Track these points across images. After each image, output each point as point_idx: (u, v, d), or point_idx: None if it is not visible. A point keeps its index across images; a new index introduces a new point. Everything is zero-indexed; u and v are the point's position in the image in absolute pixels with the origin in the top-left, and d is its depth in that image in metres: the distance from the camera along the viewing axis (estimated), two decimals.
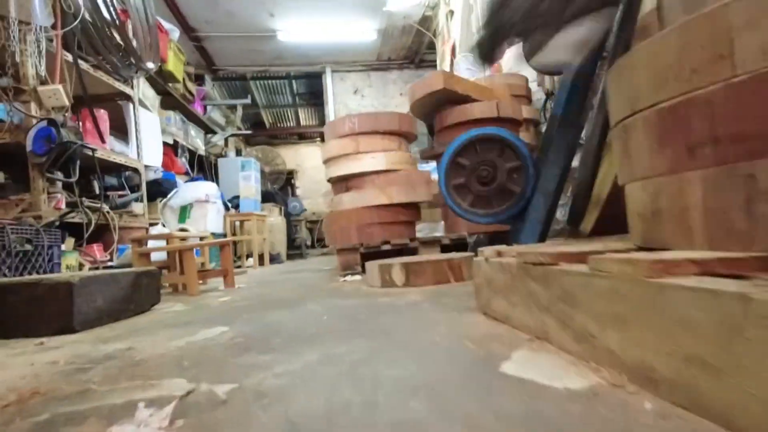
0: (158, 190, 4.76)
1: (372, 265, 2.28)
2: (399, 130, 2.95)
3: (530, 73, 4.33)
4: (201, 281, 2.77)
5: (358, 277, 2.76)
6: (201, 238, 3.51)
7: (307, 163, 12.38)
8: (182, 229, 3.96)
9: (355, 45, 7.75)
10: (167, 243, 3.11)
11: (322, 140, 11.58)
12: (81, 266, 3.06)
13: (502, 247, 1.18)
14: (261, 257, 5.77)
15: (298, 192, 12.25)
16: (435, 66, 7.48)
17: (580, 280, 0.73)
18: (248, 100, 8.54)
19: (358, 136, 2.87)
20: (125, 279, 1.80)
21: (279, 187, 9.54)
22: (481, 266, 1.18)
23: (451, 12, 6.35)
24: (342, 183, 3.04)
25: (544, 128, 4.04)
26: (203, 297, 2.48)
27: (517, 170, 1.39)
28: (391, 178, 2.89)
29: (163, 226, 4.35)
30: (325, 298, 1.97)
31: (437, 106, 3.06)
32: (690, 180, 0.69)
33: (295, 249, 7.77)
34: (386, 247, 2.97)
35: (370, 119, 2.90)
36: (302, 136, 12.01)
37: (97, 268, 3.10)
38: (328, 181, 3.19)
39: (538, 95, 4.26)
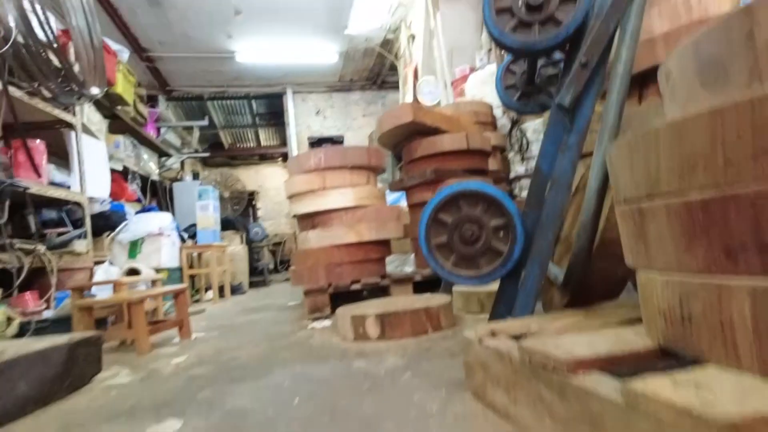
0: (105, 223, 4.38)
1: (344, 315, 2.12)
2: (368, 164, 2.83)
3: (495, 100, 4.36)
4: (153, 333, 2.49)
5: (327, 323, 2.58)
6: (153, 282, 3.21)
7: (269, 183, 12.07)
8: (132, 270, 3.63)
9: (317, 66, 7.64)
10: (114, 289, 2.81)
11: (284, 160, 11.31)
12: (9, 321, 2.70)
13: (497, 325, 1.06)
14: (221, 289, 5.44)
15: (259, 213, 11.87)
16: (397, 87, 7.47)
17: (611, 409, 0.61)
18: (205, 122, 8.20)
19: (324, 171, 2.71)
20: (57, 355, 1.55)
21: (240, 212, 9.17)
22: (473, 346, 1.06)
23: (413, 36, 6.37)
24: (308, 220, 2.87)
25: (510, 154, 4.04)
26: (154, 356, 2.21)
27: (503, 228, 1.28)
28: (359, 214, 2.75)
29: (111, 264, 3.98)
30: (294, 362, 1.78)
31: (405, 137, 2.97)
32: (733, 290, 0.59)
33: (257, 275, 7.43)
34: (356, 286, 2.81)
35: (337, 154, 2.75)
36: (263, 157, 11.69)
37: (29, 323, 2.74)
38: (293, 217, 3.00)
39: (502, 121, 4.28)
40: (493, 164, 3.71)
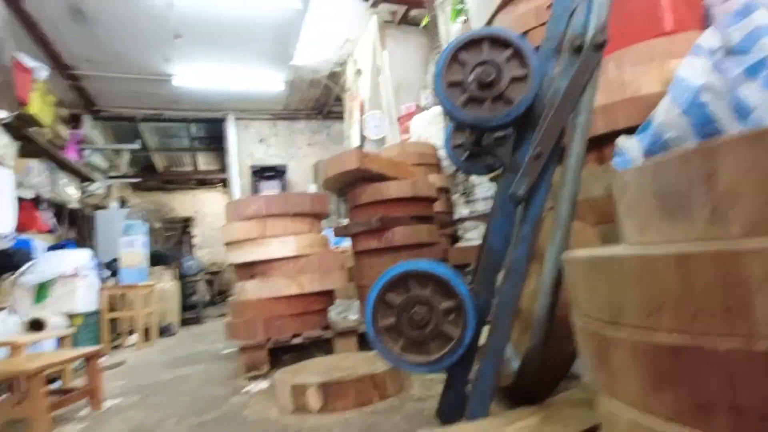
0: (7, 263, 3.83)
1: (283, 382, 1.94)
2: (311, 212, 2.70)
3: (440, 141, 4.43)
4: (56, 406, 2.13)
5: (264, 384, 2.36)
6: (62, 339, 2.80)
7: (207, 209, 11.46)
8: (35, 321, 3.18)
9: (261, 94, 7.44)
10: (10, 352, 2.41)
11: (224, 186, 10.81)
12: None
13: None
14: (147, 331, 4.94)
15: (196, 241, 11.19)
16: (343, 117, 7.45)
17: None
18: (137, 145, 7.63)
19: (265, 218, 2.55)
20: None
21: (175, 240, 8.56)
22: None
23: (360, 71, 6.42)
24: (246, 269, 2.67)
25: (455, 196, 4.08)
26: None
27: (454, 310, 1.21)
28: (302, 264, 2.59)
29: (12, 312, 3.46)
30: None
31: (351, 183, 2.89)
32: None
33: (190, 311, 6.89)
34: (297, 340, 2.63)
35: (279, 201, 2.60)
36: (202, 182, 11.09)
37: None
38: (230, 265, 2.79)
39: (447, 162, 4.35)
40: (438, 206, 3.72)
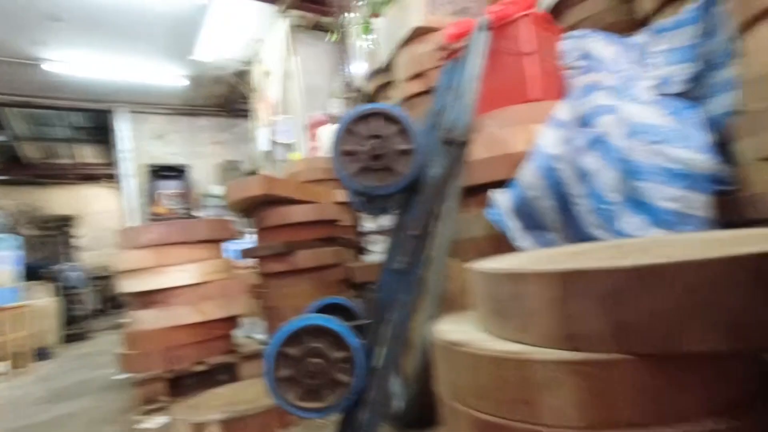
0: None
1: (182, 421, 1.93)
2: (212, 238, 2.66)
3: None
4: None
5: (163, 420, 2.30)
6: None
7: (93, 207, 10.32)
8: None
9: (159, 87, 6.90)
10: None
11: (114, 180, 9.78)
12: None
13: None
14: (19, 356, 4.38)
15: (81, 242, 10.02)
16: (249, 116, 7.21)
17: None
18: (2, 137, 6.60)
19: (162, 247, 2.45)
20: None
21: (51, 248, 7.58)
22: None
23: (268, 72, 6.27)
24: (142, 297, 2.55)
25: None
26: None
27: (346, 360, 1.36)
28: (204, 291, 2.55)
29: None
30: None
31: (258, 206, 2.89)
32: None
33: (75, 325, 6.21)
34: (200, 367, 2.59)
35: (177, 229, 2.52)
36: (86, 177, 9.92)
37: None
38: (123, 293, 2.64)
39: None
40: (346, 220, 3.83)
